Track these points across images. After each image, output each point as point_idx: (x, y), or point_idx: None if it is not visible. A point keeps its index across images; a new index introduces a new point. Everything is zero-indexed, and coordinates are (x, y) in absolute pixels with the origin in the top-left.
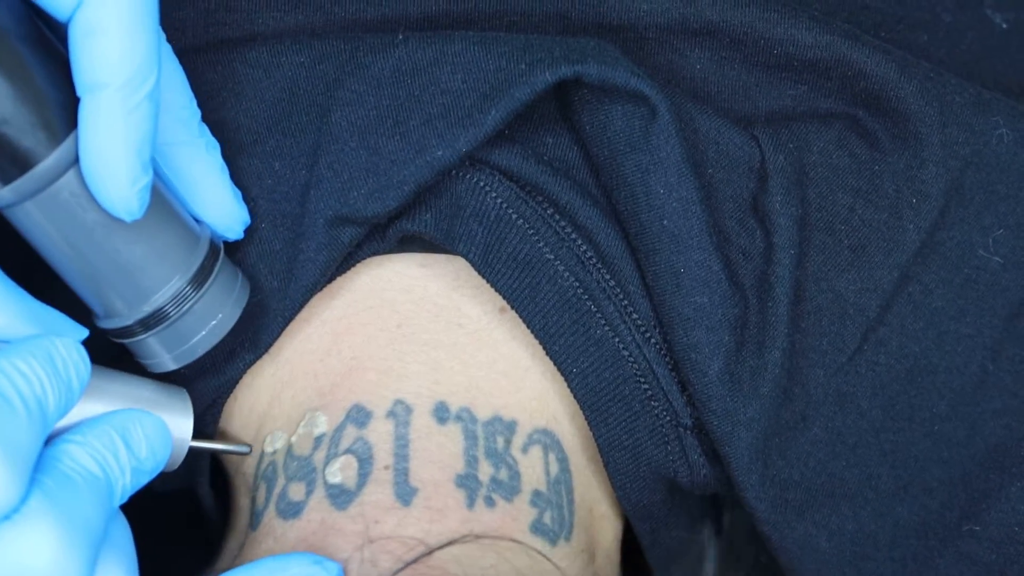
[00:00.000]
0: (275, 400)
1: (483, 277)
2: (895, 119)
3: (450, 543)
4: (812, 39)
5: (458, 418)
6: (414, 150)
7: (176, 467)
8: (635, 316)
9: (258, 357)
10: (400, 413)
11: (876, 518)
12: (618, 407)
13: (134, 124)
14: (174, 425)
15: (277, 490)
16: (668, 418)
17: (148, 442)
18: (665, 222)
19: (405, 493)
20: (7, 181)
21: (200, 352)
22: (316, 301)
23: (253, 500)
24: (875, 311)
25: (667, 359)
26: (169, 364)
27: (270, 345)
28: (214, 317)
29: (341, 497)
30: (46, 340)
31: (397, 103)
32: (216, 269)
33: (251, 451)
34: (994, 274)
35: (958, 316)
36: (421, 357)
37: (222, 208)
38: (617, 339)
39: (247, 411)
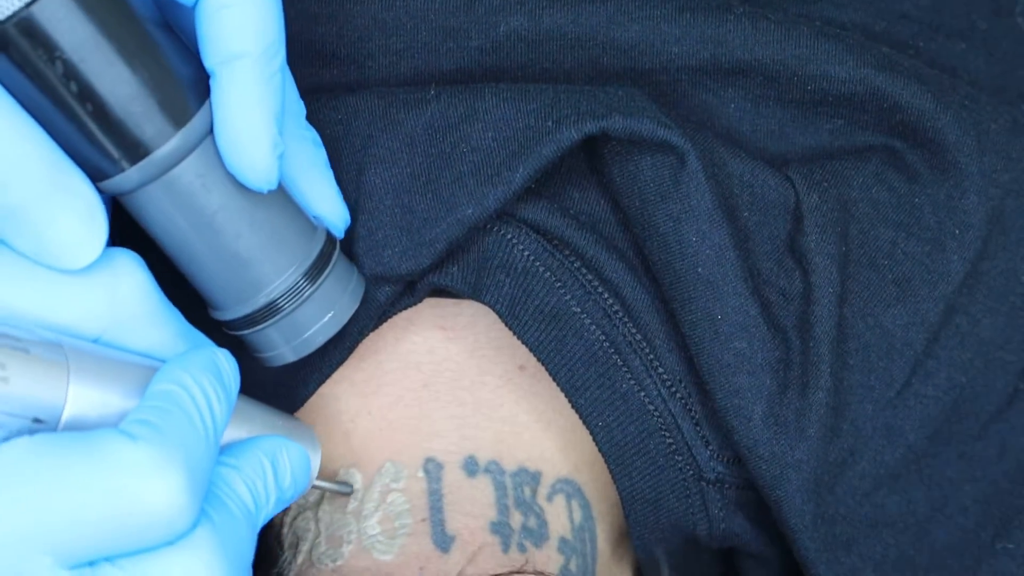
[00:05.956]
0: None
1: (510, 329)
2: (933, 150)
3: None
4: (846, 74)
5: (487, 470)
6: (445, 208)
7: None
8: (661, 370)
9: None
10: (432, 470)
11: (915, 542)
12: (642, 460)
13: (270, 93)
14: None
15: (312, 539)
16: (691, 472)
17: (292, 472)
18: (700, 269)
19: (443, 541)
20: (133, 161)
21: (318, 343)
22: (344, 363)
23: (283, 548)
24: (922, 344)
25: (692, 413)
26: (288, 355)
27: (306, 399)
28: (331, 308)
29: (380, 547)
30: (210, 352)
31: (429, 160)
32: (334, 259)
33: (352, 491)
34: None
35: (1004, 344)
36: (447, 415)
37: (327, 203)
38: (643, 393)
39: None
